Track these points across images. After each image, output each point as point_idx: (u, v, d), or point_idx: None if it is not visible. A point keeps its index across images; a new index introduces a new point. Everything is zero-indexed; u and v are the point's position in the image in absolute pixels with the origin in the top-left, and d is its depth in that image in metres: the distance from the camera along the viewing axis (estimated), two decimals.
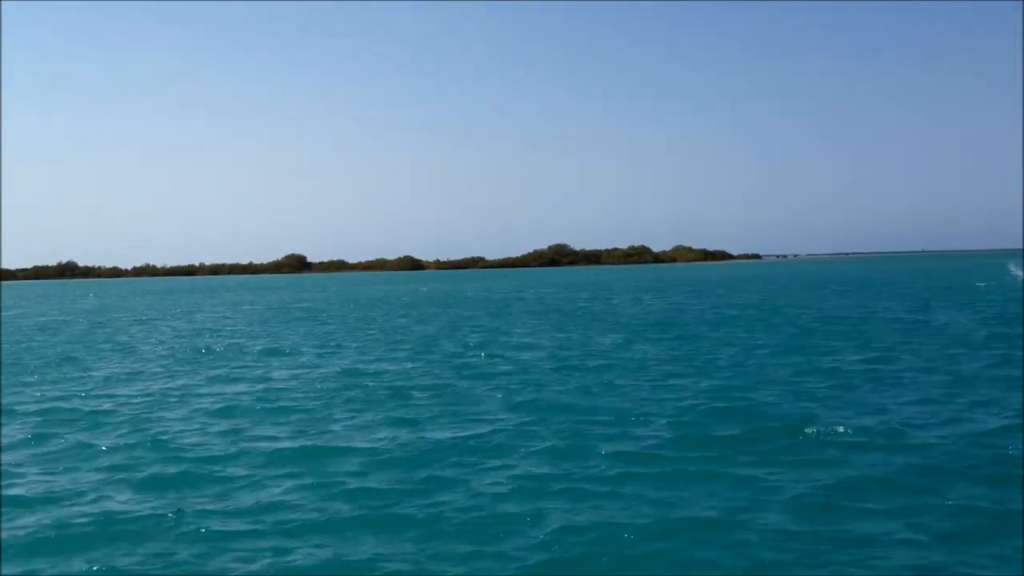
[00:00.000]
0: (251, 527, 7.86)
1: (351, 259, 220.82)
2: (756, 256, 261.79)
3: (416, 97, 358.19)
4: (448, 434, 11.66)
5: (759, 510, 8.02)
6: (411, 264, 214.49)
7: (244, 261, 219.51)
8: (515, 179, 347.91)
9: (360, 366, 19.69)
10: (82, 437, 11.97)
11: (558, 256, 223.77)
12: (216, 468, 10.05)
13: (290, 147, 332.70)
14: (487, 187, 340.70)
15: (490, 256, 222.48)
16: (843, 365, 17.53)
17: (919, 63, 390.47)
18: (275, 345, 25.45)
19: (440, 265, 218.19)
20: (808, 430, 11.11)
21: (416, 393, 15.34)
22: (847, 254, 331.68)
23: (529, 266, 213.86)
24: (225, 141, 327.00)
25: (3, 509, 8.45)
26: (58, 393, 16.46)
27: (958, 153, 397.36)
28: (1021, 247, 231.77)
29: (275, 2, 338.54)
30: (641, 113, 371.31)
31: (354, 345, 24.94)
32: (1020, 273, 70.21)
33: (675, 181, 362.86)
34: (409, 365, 19.68)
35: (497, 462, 10.06)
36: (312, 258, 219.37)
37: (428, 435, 11.58)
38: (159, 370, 20.06)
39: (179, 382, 17.82)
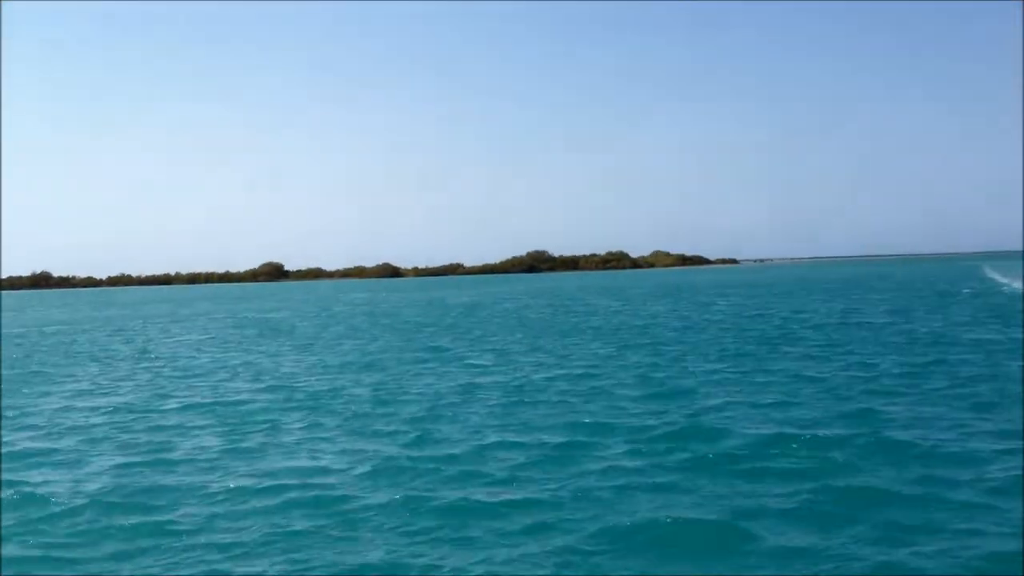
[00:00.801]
0: None
1: (328, 267, 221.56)
2: (733, 261, 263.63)
3: (393, 100, 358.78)
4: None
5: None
6: (390, 271, 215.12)
7: (221, 270, 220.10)
8: (493, 185, 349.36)
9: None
10: None
11: (536, 262, 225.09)
12: None
13: (264, 152, 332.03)
14: (464, 193, 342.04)
15: (468, 263, 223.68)
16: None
17: (899, 63, 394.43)
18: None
19: (419, 272, 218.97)
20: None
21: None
22: (823, 258, 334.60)
23: (508, 272, 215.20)
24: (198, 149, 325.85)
25: None
26: None
27: (932, 158, 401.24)
28: (995, 249, 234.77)
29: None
30: (619, 117, 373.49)
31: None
32: (997, 276, 71.31)
33: (654, 186, 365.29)
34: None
35: None
36: (289, 266, 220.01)
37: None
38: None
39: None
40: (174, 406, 16.92)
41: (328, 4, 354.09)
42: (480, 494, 9.65)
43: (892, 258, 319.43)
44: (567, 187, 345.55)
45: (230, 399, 17.53)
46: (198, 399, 17.77)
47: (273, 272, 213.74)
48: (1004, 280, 63.12)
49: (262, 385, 19.68)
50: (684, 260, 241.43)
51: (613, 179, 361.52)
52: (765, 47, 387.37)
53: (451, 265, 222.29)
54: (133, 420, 15.37)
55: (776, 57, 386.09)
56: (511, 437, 12.67)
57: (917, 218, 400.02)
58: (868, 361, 20.22)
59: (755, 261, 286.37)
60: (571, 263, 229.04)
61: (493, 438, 12.67)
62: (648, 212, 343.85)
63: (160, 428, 14.56)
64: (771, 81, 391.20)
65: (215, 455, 12.14)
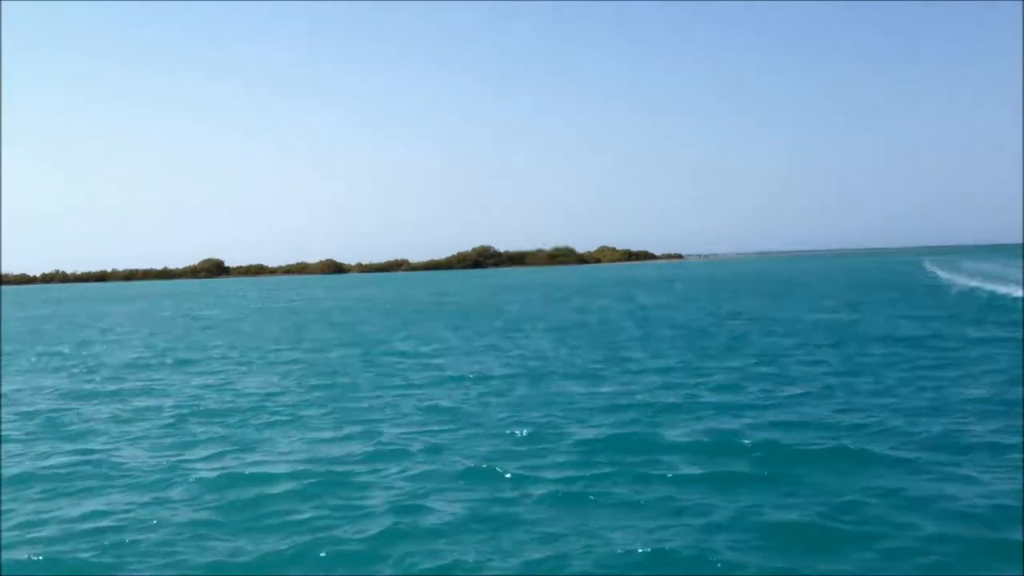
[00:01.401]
0: None
1: (271, 263, 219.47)
2: (679, 256, 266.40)
3: (337, 95, 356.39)
4: None
5: None
6: (333, 268, 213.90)
7: (159, 266, 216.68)
8: (437, 179, 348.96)
9: None
10: None
11: (482, 258, 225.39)
12: None
13: (202, 146, 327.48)
14: (409, 188, 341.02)
15: (413, 259, 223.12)
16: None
17: (847, 58, 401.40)
18: None
19: (363, 268, 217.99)
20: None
21: None
22: (767, 253, 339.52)
23: (453, 268, 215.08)
24: (132, 138, 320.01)
25: None
26: None
27: (879, 154, 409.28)
28: (934, 245, 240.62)
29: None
30: (565, 112, 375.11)
31: None
32: (937, 270, 73.14)
33: (600, 181, 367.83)
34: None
35: None
36: (230, 262, 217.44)
37: None
38: None
39: None
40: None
41: None
42: None
43: (832, 252, 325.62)
44: (513, 181, 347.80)
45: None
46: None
47: (213, 268, 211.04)
48: (942, 273, 65.26)
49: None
50: (630, 255, 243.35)
51: (553, 172, 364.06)
52: (695, 43, 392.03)
53: (396, 261, 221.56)
54: None
55: (702, 54, 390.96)
56: None
57: (868, 214, 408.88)
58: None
59: (701, 256, 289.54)
60: (518, 259, 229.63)
61: None
62: (595, 207, 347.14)
63: None
64: (719, 80, 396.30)
65: None
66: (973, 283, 51.12)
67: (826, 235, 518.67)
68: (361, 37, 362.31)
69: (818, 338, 24.40)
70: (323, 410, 15.56)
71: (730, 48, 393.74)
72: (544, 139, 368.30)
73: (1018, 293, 38.71)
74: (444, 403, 15.70)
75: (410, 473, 10.74)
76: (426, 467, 11.02)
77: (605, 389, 16.50)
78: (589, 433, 12.59)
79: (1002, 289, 42.76)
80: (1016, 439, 11.41)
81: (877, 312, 32.86)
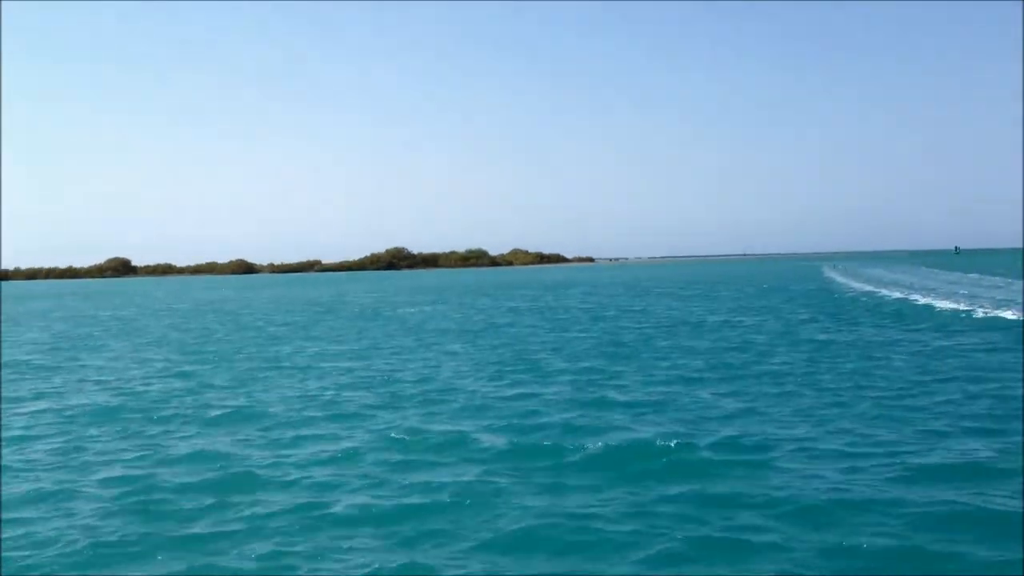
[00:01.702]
0: None
1: (179, 262, 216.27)
2: (590, 259, 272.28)
3: (252, 93, 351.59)
4: None
5: None
6: (244, 268, 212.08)
7: (63, 265, 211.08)
8: (353, 179, 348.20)
9: None
10: None
11: (396, 259, 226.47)
12: None
13: (108, 142, 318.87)
14: (322, 187, 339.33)
15: (327, 259, 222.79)
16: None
17: (740, 57, 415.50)
18: None
19: (275, 269, 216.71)
20: None
21: None
22: (676, 258, 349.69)
23: (367, 269, 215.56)
24: (32, 135, 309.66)
25: None
26: None
27: (786, 162, 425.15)
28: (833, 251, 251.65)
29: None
30: (485, 115, 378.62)
31: None
32: (835, 275, 77.76)
33: (515, 184, 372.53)
34: None
35: None
36: (137, 261, 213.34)
37: None
38: None
39: None
40: None
41: None
42: None
43: (737, 258, 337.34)
44: (426, 184, 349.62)
45: None
46: None
47: (120, 267, 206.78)
48: (840, 278, 70.19)
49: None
50: (542, 258, 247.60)
51: (472, 176, 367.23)
52: (621, 51, 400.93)
53: (309, 262, 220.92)
54: None
55: (637, 62, 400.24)
56: None
57: (780, 220, 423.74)
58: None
59: (610, 260, 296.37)
60: (431, 260, 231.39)
61: None
62: (508, 211, 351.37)
63: None
64: (624, 82, 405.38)
65: None
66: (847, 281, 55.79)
67: (734, 241, 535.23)
68: (262, 33, 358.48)
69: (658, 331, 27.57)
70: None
71: (640, 48, 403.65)
72: (458, 142, 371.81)
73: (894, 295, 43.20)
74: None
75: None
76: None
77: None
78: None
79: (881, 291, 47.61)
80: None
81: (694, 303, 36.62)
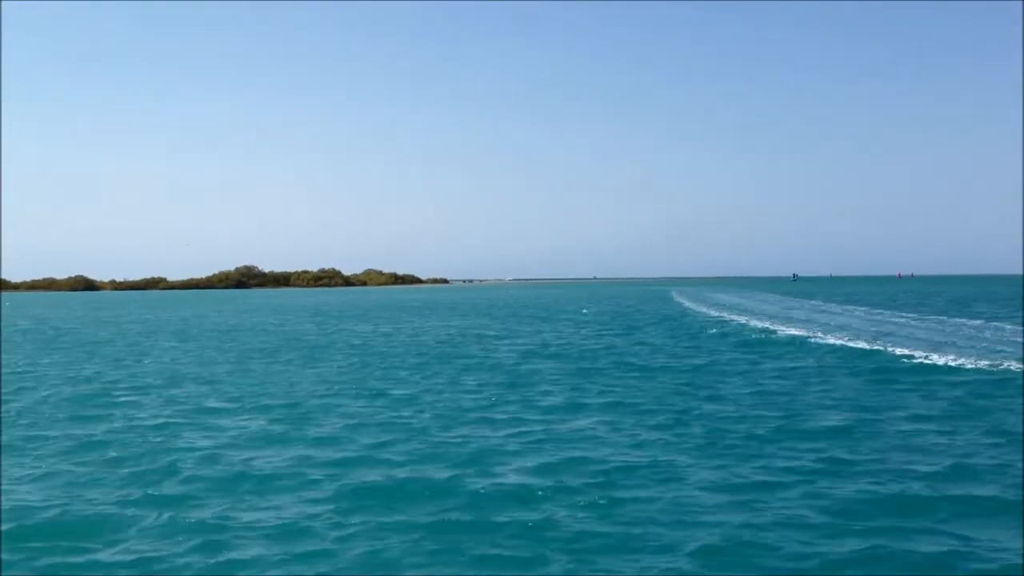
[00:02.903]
0: None
1: (14, 278, 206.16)
2: (444, 281, 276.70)
3: (94, 105, 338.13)
4: None
5: None
6: (84, 284, 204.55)
7: None
8: (201, 193, 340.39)
9: None
10: None
11: (245, 278, 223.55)
12: None
13: None
14: (168, 200, 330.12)
15: (172, 277, 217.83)
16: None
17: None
18: None
19: (117, 286, 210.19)
20: None
21: None
22: (529, 280, 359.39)
23: (215, 288, 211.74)
24: None
25: None
26: None
27: (645, 186, 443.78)
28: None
29: None
30: (332, 132, 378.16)
31: None
32: (683, 301, 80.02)
33: (369, 205, 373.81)
34: None
35: None
36: None
37: None
38: None
39: None
40: None
41: None
42: None
43: (588, 281, 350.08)
44: (278, 201, 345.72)
45: None
46: None
47: None
48: (684, 301, 75.44)
49: None
50: (396, 279, 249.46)
51: (327, 196, 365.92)
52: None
53: (152, 279, 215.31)
54: None
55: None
56: None
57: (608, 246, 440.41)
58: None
59: (464, 281, 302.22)
60: (282, 279, 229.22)
61: None
62: (362, 231, 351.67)
63: None
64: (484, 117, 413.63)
65: None
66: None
67: (585, 266, 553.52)
68: (100, 58, 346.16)
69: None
70: None
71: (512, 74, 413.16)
72: (307, 159, 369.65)
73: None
74: None
75: None
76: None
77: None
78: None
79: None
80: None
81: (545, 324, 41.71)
